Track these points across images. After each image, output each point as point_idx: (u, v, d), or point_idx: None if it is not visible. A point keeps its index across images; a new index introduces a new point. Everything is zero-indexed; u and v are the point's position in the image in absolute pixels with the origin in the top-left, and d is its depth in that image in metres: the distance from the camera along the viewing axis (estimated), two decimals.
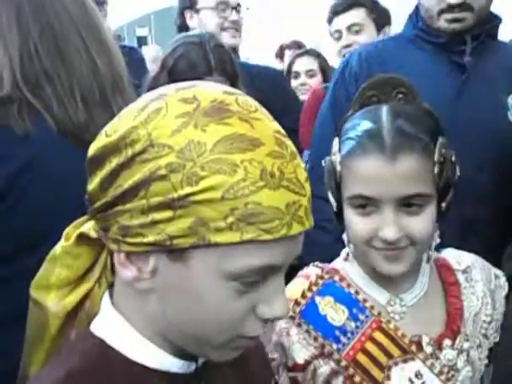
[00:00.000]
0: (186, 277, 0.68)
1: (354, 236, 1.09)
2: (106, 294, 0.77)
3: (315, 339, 1.09)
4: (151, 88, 1.80)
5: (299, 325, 1.10)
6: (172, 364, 0.75)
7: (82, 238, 0.75)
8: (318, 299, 1.12)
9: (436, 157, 1.05)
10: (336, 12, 2.58)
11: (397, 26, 2.62)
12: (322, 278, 1.15)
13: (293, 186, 0.67)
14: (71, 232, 0.77)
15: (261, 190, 0.65)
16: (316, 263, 1.18)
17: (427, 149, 1.04)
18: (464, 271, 1.21)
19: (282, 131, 0.71)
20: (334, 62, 3.08)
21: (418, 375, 1.10)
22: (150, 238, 0.66)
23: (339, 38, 2.57)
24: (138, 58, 3.26)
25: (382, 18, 2.58)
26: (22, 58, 1.21)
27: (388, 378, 1.09)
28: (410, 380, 1.10)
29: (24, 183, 1.18)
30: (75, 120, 1.21)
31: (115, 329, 0.75)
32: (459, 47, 1.67)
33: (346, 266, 1.17)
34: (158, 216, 0.66)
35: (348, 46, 2.51)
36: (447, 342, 1.13)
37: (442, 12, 1.66)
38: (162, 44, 2.02)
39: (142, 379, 0.73)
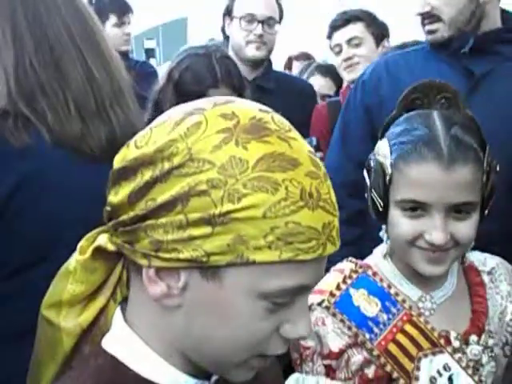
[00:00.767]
0: (218, 294, 0.67)
1: (399, 235, 1.12)
2: (118, 309, 0.76)
3: (349, 328, 1.14)
4: (157, 100, 1.84)
5: (334, 314, 1.15)
6: (186, 382, 0.74)
7: (99, 252, 0.73)
8: (352, 291, 1.18)
9: (485, 166, 1.11)
10: (335, 27, 2.64)
11: (395, 39, 2.70)
12: (356, 272, 1.20)
13: (328, 207, 0.67)
14: (86, 245, 0.75)
15: (301, 209, 0.65)
16: (350, 258, 1.24)
17: (478, 158, 1.10)
18: (489, 272, 1.27)
19: (313, 151, 0.71)
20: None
21: (446, 368, 1.16)
22: (186, 254, 0.65)
23: (339, 52, 2.61)
24: (150, 72, 3.32)
25: (380, 32, 2.63)
26: (16, 72, 1.20)
27: (418, 368, 1.14)
28: (439, 372, 1.15)
29: (22, 198, 1.17)
30: (70, 132, 1.21)
31: (127, 345, 0.73)
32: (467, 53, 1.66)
33: (378, 263, 1.22)
34: (195, 232, 0.64)
35: (349, 58, 2.56)
36: (473, 337, 1.19)
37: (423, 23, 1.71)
38: (170, 57, 2.03)
39: None
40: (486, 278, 1.26)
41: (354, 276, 1.20)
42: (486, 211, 1.15)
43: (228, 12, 2.36)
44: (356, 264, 1.22)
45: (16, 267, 1.20)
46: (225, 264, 0.65)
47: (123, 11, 3.30)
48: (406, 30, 2.72)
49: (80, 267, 0.74)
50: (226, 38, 2.39)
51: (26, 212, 1.17)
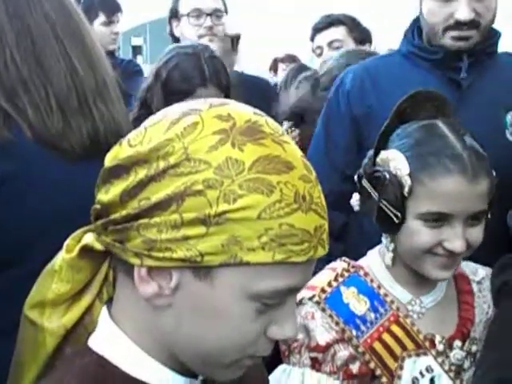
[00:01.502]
0: (209, 294, 0.67)
1: (418, 244, 1.14)
2: (104, 309, 0.76)
3: (337, 324, 1.18)
4: (145, 98, 1.87)
5: (323, 310, 1.19)
6: (174, 380, 0.74)
7: (86, 251, 0.73)
8: (342, 289, 1.22)
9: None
10: (317, 29, 2.68)
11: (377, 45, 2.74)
12: (348, 270, 1.24)
13: (319, 210, 0.69)
14: (72, 244, 0.75)
15: (295, 212, 0.66)
16: (343, 258, 1.28)
17: (489, 167, 1.15)
18: (479, 282, 1.31)
19: (304, 155, 0.72)
20: None
21: (429, 369, 1.19)
22: (180, 254, 0.65)
23: (320, 54, 2.65)
24: (135, 70, 3.31)
25: (362, 37, 2.65)
26: None
27: (401, 368, 1.18)
28: (421, 373, 1.19)
29: (7, 193, 1.14)
30: (51, 128, 1.18)
31: (114, 344, 0.73)
32: (455, 64, 1.65)
33: (371, 265, 1.26)
34: (190, 231, 0.65)
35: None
36: (457, 343, 1.22)
37: (447, 29, 1.62)
38: (157, 54, 2.07)
39: None
40: (475, 288, 1.30)
41: (346, 275, 1.24)
42: (489, 216, 1.19)
43: (174, 14, 2.41)
44: (349, 264, 1.26)
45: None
46: (218, 264, 0.66)
47: (113, 10, 3.28)
48: (392, 36, 2.72)
49: (66, 266, 0.74)
50: (176, 40, 2.40)
51: (11, 207, 1.15)
